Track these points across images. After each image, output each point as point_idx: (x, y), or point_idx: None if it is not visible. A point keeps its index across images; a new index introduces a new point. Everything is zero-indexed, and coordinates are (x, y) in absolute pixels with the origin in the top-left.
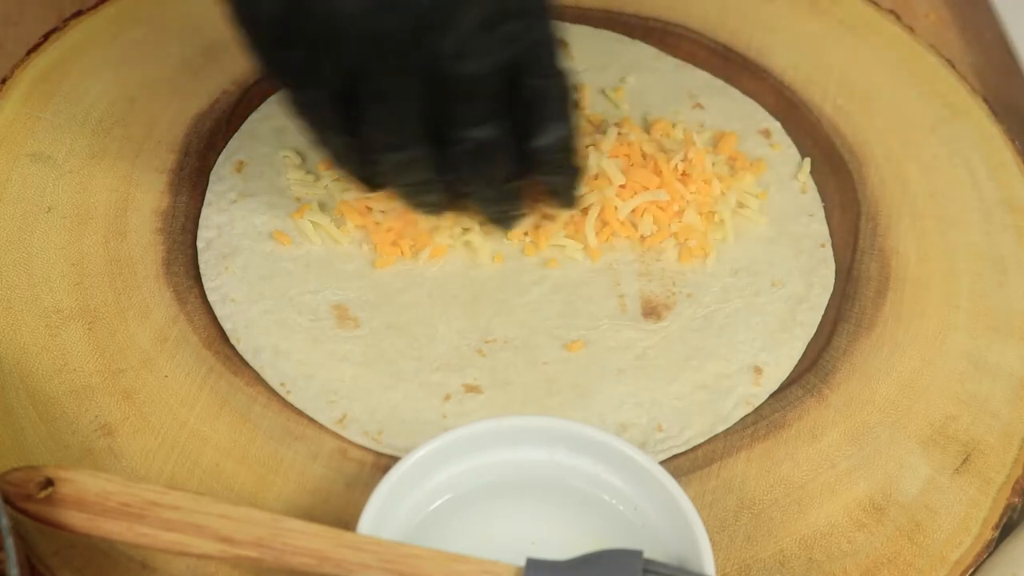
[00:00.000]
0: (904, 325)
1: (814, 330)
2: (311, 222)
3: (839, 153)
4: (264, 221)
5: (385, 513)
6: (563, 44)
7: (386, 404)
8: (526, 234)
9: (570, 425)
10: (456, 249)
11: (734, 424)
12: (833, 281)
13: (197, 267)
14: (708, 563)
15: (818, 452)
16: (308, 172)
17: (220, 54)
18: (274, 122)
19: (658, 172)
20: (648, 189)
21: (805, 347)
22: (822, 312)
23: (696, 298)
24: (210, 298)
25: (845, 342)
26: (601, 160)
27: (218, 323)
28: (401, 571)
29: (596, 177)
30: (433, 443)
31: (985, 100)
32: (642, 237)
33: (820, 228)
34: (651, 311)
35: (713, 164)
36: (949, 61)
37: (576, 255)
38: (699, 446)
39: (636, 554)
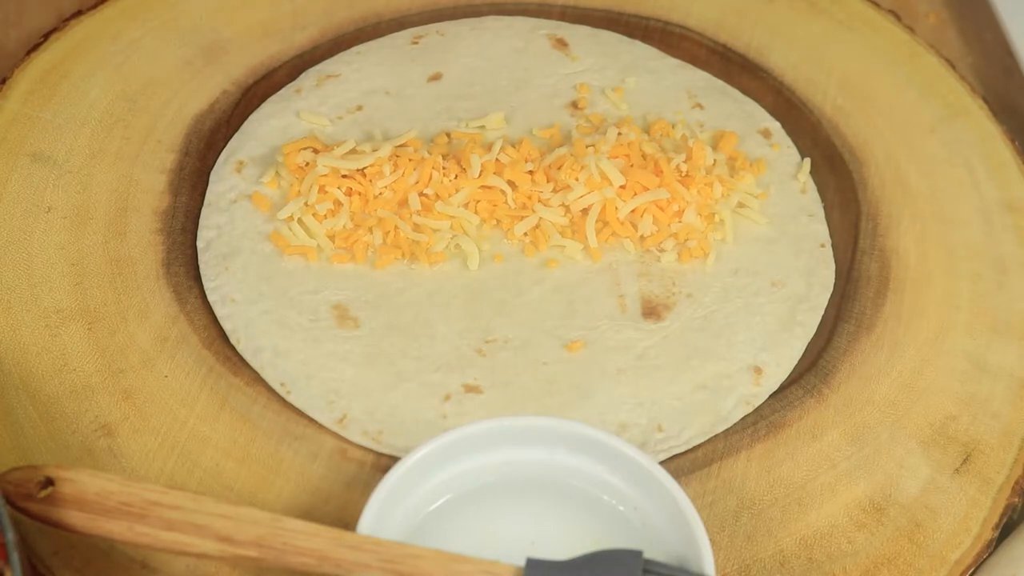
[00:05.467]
0: (904, 325)
1: (814, 330)
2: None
3: (839, 153)
4: (264, 221)
5: (385, 513)
6: (563, 44)
7: (386, 404)
8: (526, 234)
9: (570, 425)
10: (456, 250)
11: (734, 424)
12: (833, 281)
13: (197, 267)
14: (708, 563)
15: (818, 452)
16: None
17: (220, 54)
18: (274, 122)
19: (658, 172)
20: (648, 189)
21: (805, 347)
22: (822, 312)
23: (696, 298)
24: (210, 298)
25: (845, 342)
26: (601, 160)
27: (218, 323)
28: (401, 571)
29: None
30: (433, 443)
31: (985, 100)
32: (642, 237)
33: (820, 228)
34: (651, 311)
35: (714, 162)
36: (949, 61)
37: (576, 255)
38: (699, 446)
39: (636, 554)
